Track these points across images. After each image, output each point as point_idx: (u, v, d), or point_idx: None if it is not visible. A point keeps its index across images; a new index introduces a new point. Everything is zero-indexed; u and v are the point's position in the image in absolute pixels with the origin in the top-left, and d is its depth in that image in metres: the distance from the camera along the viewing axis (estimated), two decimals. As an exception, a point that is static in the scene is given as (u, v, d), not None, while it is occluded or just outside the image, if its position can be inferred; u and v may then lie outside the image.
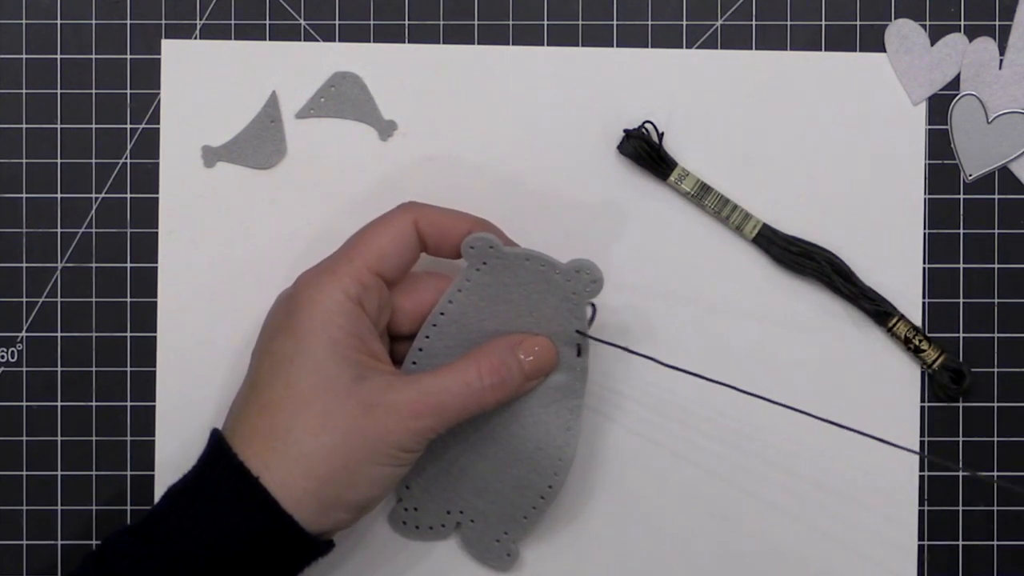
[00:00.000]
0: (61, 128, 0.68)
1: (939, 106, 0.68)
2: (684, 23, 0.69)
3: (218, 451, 0.59)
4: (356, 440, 0.58)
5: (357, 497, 0.59)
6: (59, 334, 0.68)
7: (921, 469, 0.68)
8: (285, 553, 0.59)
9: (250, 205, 0.68)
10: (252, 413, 0.59)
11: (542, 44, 0.69)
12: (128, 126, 0.68)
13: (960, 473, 0.68)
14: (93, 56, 0.68)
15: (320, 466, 0.58)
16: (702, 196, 0.67)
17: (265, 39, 0.68)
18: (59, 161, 0.68)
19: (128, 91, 0.68)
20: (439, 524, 0.67)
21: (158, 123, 0.68)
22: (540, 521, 0.66)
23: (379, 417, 0.58)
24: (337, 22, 0.69)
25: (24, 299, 0.68)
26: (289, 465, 0.58)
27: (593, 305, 0.62)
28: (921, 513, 0.68)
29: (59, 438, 0.68)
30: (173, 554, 0.57)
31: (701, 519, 0.68)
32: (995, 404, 0.68)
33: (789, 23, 0.68)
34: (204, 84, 0.68)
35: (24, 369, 0.68)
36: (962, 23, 0.68)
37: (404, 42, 0.69)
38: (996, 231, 0.68)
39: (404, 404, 0.59)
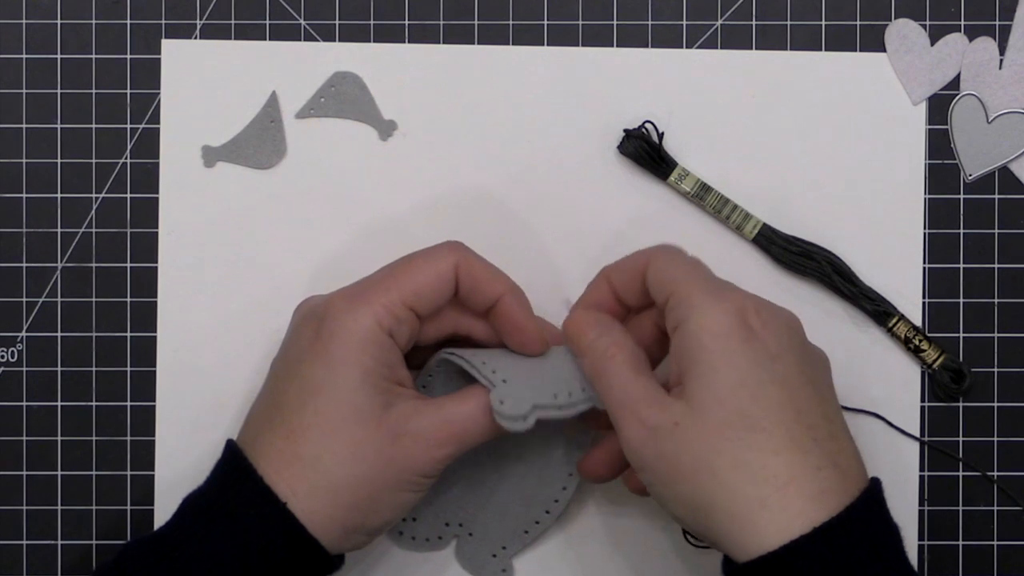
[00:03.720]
0: (61, 128, 0.68)
1: (939, 106, 0.68)
2: (684, 23, 0.69)
3: (241, 470, 0.59)
4: (384, 469, 0.58)
5: (378, 522, 0.60)
6: (59, 334, 0.68)
7: (921, 469, 0.68)
8: (304, 572, 0.59)
9: (250, 205, 0.68)
10: (278, 436, 0.59)
11: (542, 44, 0.69)
12: (128, 126, 0.68)
13: (959, 466, 0.68)
14: (93, 56, 0.68)
15: (347, 495, 0.58)
16: (702, 196, 0.67)
17: (265, 39, 0.68)
18: (59, 161, 0.68)
19: (128, 91, 0.68)
20: (436, 536, 0.66)
21: (158, 123, 0.68)
22: (541, 536, 0.66)
23: (406, 446, 0.59)
24: (337, 22, 0.69)
25: (24, 299, 0.68)
26: (318, 493, 0.58)
27: None
28: (921, 513, 0.68)
29: (59, 438, 0.68)
30: (195, 571, 0.57)
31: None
32: (995, 404, 0.68)
33: (789, 23, 0.69)
34: (204, 84, 0.68)
35: (24, 369, 0.68)
36: (962, 23, 0.68)
37: (404, 42, 0.69)
38: (996, 231, 0.68)
39: (429, 432, 0.59)
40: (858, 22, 0.69)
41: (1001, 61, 0.68)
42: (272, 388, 0.61)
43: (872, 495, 0.55)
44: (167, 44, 0.68)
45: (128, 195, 0.68)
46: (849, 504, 0.54)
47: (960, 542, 0.68)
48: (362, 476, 0.58)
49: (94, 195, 0.68)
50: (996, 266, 0.68)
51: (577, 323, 0.61)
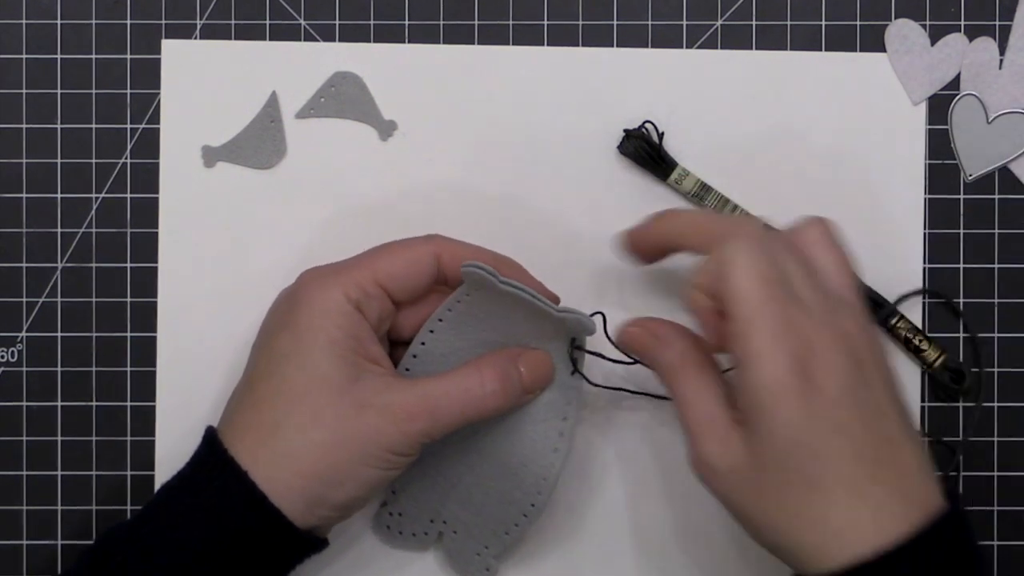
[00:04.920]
0: (61, 128, 0.68)
1: (939, 106, 0.68)
2: (684, 23, 0.69)
3: (210, 446, 0.59)
4: (345, 439, 0.58)
5: (343, 497, 0.59)
6: (59, 334, 0.68)
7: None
8: (274, 547, 0.58)
9: (250, 205, 0.68)
10: (245, 407, 0.60)
11: (542, 44, 0.69)
12: (128, 126, 0.68)
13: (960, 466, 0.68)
14: (93, 56, 0.68)
15: (307, 463, 0.58)
16: (702, 196, 0.67)
17: (265, 39, 0.68)
18: (59, 161, 0.68)
19: (128, 91, 0.68)
20: (422, 532, 0.66)
21: (158, 123, 0.68)
22: (521, 539, 0.65)
23: (371, 417, 0.58)
24: (337, 22, 0.69)
25: (24, 299, 0.68)
26: (277, 460, 0.58)
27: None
28: (921, 513, 0.68)
29: (59, 438, 0.68)
30: (165, 548, 0.57)
31: (699, 512, 0.68)
32: (995, 404, 0.68)
33: (789, 23, 0.69)
34: (204, 84, 0.68)
35: (24, 369, 0.68)
36: (962, 23, 0.68)
37: (404, 42, 0.69)
38: (996, 231, 0.68)
39: (398, 405, 0.59)
40: (858, 22, 0.69)
41: (1001, 61, 0.68)
42: (247, 367, 0.62)
43: (938, 527, 0.53)
44: (167, 44, 0.68)
45: (128, 195, 0.68)
46: (904, 541, 0.52)
47: (960, 542, 0.68)
48: (320, 443, 0.58)
49: (94, 195, 0.68)
50: (996, 266, 0.68)
51: (635, 338, 0.61)
